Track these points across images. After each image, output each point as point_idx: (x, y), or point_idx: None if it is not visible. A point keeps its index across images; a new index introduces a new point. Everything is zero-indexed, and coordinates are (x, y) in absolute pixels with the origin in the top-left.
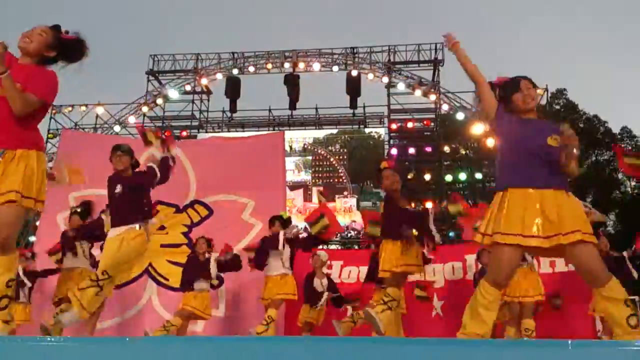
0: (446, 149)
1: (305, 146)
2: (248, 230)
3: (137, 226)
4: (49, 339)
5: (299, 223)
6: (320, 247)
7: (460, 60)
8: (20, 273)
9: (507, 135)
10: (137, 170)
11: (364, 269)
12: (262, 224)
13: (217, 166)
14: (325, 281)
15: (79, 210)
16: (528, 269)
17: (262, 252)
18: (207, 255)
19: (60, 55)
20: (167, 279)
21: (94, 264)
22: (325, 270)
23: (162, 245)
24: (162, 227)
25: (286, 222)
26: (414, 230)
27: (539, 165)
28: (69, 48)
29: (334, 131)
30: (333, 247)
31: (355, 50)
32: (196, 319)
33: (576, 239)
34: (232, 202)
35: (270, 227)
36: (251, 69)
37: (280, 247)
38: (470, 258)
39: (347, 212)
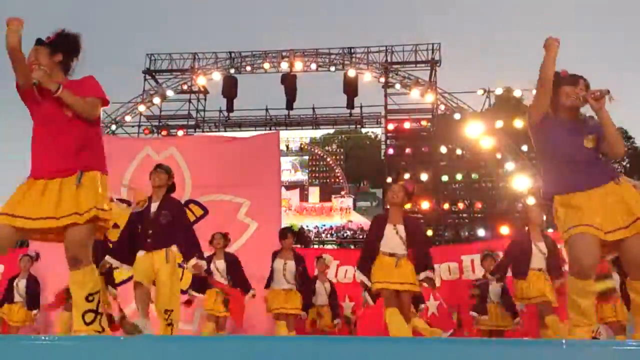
0: (443, 149)
1: (302, 146)
2: (243, 230)
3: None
4: (43, 337)
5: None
6: (317, 246)
7: (549, 58)
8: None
9: (547, 140)
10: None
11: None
12: (257, 223)
13: (212, 165)
14: (328, 285)
15: None
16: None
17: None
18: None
19: (65, 55)
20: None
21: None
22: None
23: None
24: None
25: (299, 235)
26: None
27: (580, 169)
28: (61, 42)
29: (331, 131)
30: (329, 246)
31: (352, 50)
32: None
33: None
34: (227, 202)
35: (281, 239)
36: (248, 68)
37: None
38: (466, 259)
39: (344, 212)
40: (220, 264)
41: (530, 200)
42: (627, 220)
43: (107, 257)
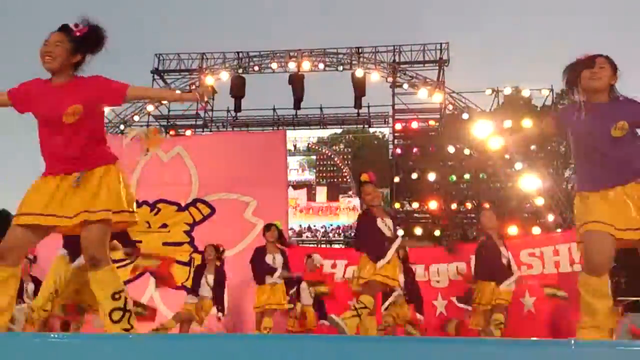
0: (451, 149)
1: (310, 146)
2: (250, 230)
3: None
4: (52, 335)
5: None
6: (324, 245)
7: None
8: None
9: (571, 132)
10: None
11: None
12: (264, 223)
13: (219, 164)
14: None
15: None
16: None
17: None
18: (217, 262)
19: (84, 53)
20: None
21: None
22: (330, 270)
23: (164, 244)
24: (165, 225)
25: (280, 233)
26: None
27: (604, 163)
28: (89, 42)
29: (338, 131)
30: (337, 246)
31: (360, 50)
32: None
33: None
34: (234, 200)
35: (265, 233)
36: (256, 68)
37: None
38: (474, 258)
39: (351, 212)
40: (210, 278)
41: (539, 201)
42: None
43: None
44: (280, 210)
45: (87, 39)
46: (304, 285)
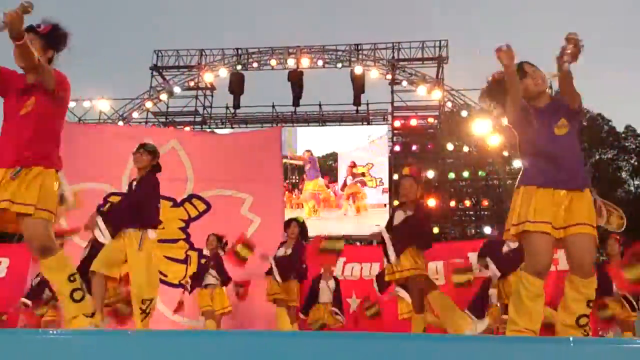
0: (449, 146)
1: None
2: (247, 226)
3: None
4: (51, 331)
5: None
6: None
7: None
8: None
9: (523, 130)
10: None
11: (366, 266)
12: (260, 219)
13: (215, 160)
14: (332, 283)
15: None
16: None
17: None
18: (219, 251)
19: (55, 52)
20: (165, 275)
21: None
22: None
23: (159, 241)
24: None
25: (302, 227)
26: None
27: (549, 162)
28: (54, 38)
29: (337, 128)
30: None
31: (359, 47)
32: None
33: (583, 230)
34: (230, 196)
35: (286, 229)
36: (255, 65)
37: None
38: (473, 256)
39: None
40: (212, 270)
41: None
42: (568, 222)
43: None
44: (277, 206)
45: (54, 36)
46: (322, 283)
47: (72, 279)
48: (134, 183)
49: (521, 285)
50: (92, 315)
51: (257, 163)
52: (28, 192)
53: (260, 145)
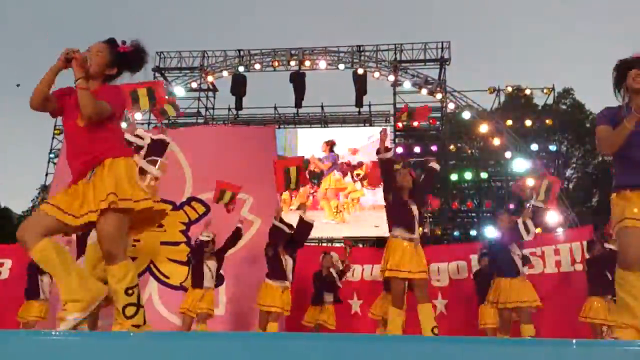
0: (452, 148)
1: None
2: (248, 227)
3: None
4: (53, 333)
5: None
6: (327, 244)
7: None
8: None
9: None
10: None
11: (368, 267)
12: (260, 220)
13: (211, 160)
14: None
15: None
16: (520, 279)
17: None
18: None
19: (121, 69)
20: (167, 277)
21: None
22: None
23: (162, 243)
24: (160, 225)
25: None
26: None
27: None
28: (129, 60)
29: (340, 129)
30: (337, 245)
31: (361, 49)
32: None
33: None
34: None
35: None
36: (257, 66)
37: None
38: (475, 258)
39: None
40: (212, 264)
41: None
42: None
43: None
44: (274, 207)
45: (128, 58)
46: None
47: (129, 292)
48: None
49: (617, 283)
50: (139, 327)
51: (253, 163)
52: (104, 186)
53: (255, 145)
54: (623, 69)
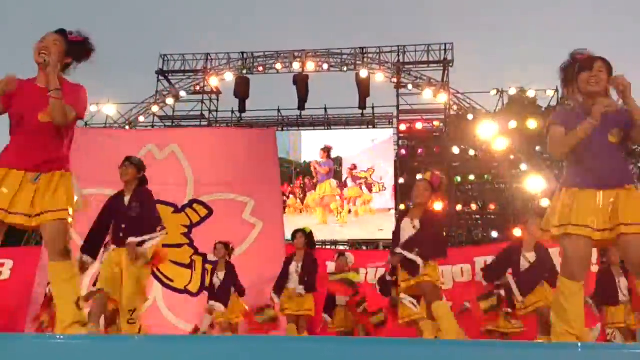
0: (455, 150)
1: None
2: (250, 231)
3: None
4: (58, 336)
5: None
6: (329, 247)
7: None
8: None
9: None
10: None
11: (372, 271)
12: (262, 223)
13: (213, 162)
14: None
15: None
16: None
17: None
18: (227, 258)
19: (75, 61)
20: (171, 280)
21: None
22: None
23: (164, 246)
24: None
25: (309, 237)
26: None
27: (600, 164)
28: (79, 50)
29: (343, 132)
30: (341, 247)
31: (364, 51)
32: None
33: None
34: (231, 201)
35: (292, 240)
36: (260, 69)
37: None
38: (479, 260)
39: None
40: (221, 275)
41: (544, 202)
42: (612, 224)
43: (79, 254)
44: (276, 210)
45: (80, 46)
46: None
47: (77, 287)
48: (126, 198)
49: (560, 291)
50: (85, 325)
51: (254, 165)
52: (57, 198)
53: (256, 147)
54: (572, 71)
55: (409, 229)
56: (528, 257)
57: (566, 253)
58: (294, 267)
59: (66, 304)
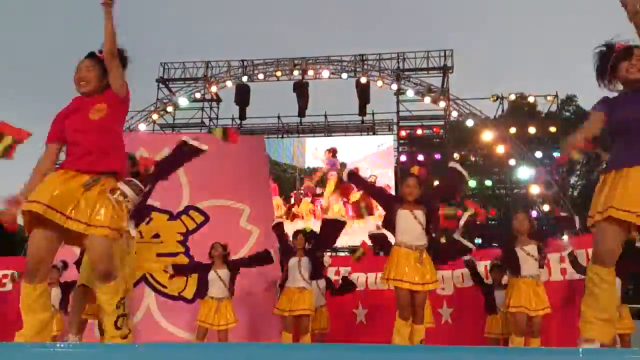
0: (455, 156)
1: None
2: (247, 237)
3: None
4: (58, 344)
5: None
6: (329, 253)
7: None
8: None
9: (614, 115)
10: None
11: (372, 275)
12: (259, 230)
13: (208, 168)
14: (322, 283)
15: None
16: (535, 281)
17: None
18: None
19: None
20: (164, 286)
21: None
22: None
23: (158, 255)
24: (157, 235)
25: (310, 237)
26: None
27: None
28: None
29: (344, 138)
30: (341, 254)
31: (364, 57)
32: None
33: None
34: (227, 207)
35: (293, 240)
36: (260, 76)
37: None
38: (480, 265)
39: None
40: (223, 273)
41: (545, 208)
42: None
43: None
44: (270, 216)
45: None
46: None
47: (118, 304)
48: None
49: (588, 278)
50: (126, 337)
51: (246, 172)
52: (102, 213)
53: (247, 154)
54: (608, 59)
55: (412, 224)
56: (527, 250)
57: (598, 237)
58: (294, 262)
59: (109, 321)
